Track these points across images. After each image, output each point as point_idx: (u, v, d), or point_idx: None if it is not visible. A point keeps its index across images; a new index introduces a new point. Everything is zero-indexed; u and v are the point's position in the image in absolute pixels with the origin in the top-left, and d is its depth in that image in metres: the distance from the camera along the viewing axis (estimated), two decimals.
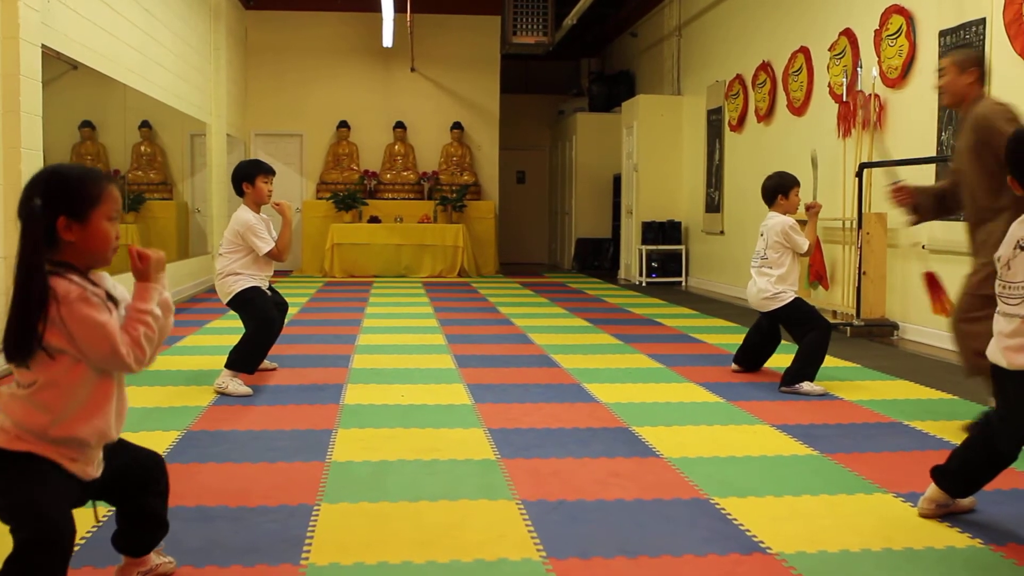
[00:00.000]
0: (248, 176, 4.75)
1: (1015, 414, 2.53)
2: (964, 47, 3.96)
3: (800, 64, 8.48)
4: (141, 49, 8.01)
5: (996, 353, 2.54)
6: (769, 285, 4.77)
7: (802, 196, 5.10)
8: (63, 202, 1.87)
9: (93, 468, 1.96)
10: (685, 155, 11.91)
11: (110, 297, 1.91)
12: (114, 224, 1.94)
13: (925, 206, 4.17)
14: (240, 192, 4.79)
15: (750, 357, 5.15)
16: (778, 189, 4.88)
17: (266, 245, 4.67)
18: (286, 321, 5.27)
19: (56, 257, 1.87)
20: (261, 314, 4.65)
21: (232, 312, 4.83)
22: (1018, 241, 2.50)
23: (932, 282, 4.29)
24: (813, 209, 4.96)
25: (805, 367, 4.61)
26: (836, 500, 2.92)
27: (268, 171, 4.81)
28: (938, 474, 2.74)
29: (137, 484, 2.11)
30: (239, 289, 4.65)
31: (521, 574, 2.32)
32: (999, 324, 2.55)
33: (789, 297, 4.75)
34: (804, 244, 4.76)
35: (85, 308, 1.82)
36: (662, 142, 12.00)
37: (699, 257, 11.36)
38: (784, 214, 4.85)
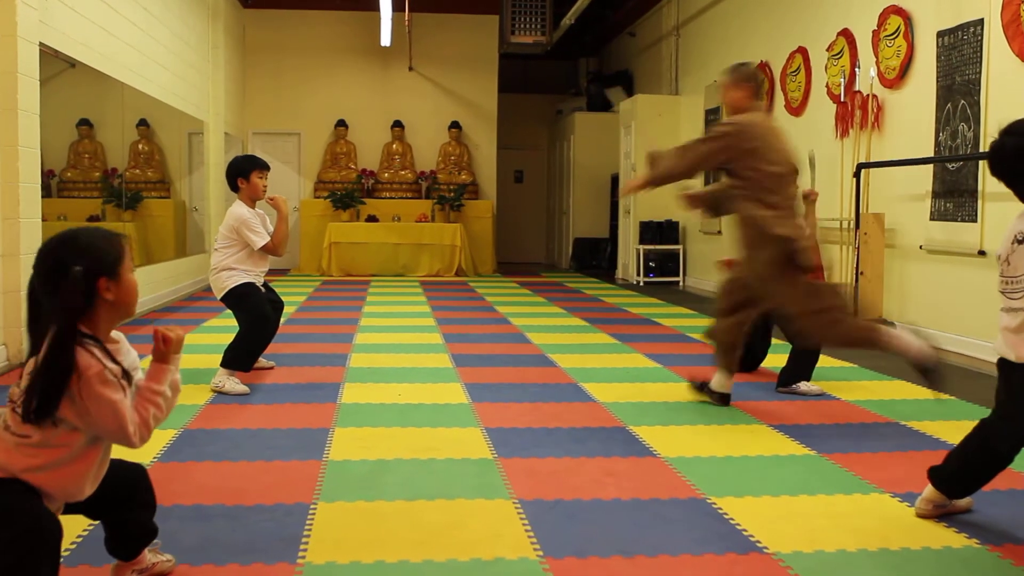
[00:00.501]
0: (243, 171, 4.75)
1: (1019, 409, 2.52)
2: (746, 64, 4.28)
3: (798, 64, 8.48)
4: (139, 47, 8.00)
5: (1004, 347, 2.54)
6: None
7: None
8: (102, 264, 1.91)
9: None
10: None
11: (125, 373, 1.93)
12: (133, 274, 1.99)
13: (714, 207, 4.65)
14: (235, 188, 4.78)
15: (746, 357, 5.14)
16: None
17: (261, 239, 4.66)
18: (282, 320, 5.26)
19: (81, 323, 1.89)
20: (255, 311, 4.64)
21: (229, 310, 4.83)
22: (1015, 236, 2.50)
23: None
24: (810, 197, 4.97)
25: (800, 367, 4.61)
26: (833, 500, 2.92)
27: (263, 166, 4.80)
28: (935, 475, 2.73)
29: (121, 499, 2.11)
30: (233, 284, 4.64)
31: (518, 573, 2.32)
32: (1003, 320, 2.54)
33: None
34: None
35: (101, 387, 1.85)
36: (660, 142, 11.96)
37: (697, 257, 11.36)
38: None
